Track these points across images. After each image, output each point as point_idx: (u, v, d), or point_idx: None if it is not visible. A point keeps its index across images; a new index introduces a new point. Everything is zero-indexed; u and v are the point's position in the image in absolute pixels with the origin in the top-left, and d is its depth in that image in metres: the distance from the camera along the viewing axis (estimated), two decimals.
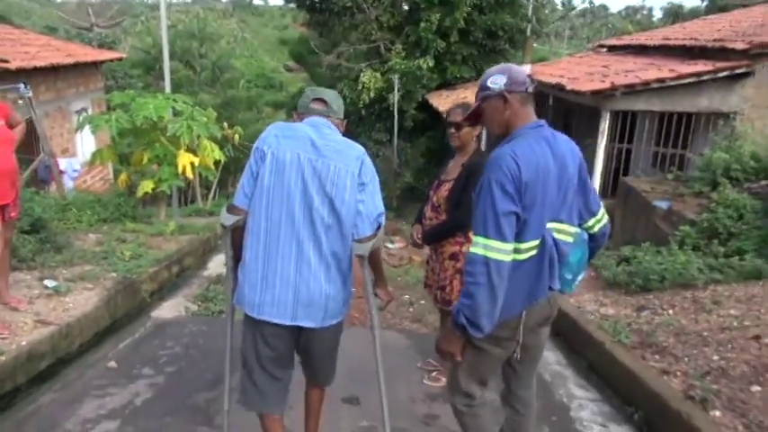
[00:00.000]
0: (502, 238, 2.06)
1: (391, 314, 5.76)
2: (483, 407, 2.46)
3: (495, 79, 2.22)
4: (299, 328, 2.38)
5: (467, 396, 2.42)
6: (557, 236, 2.20)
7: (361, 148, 2.39)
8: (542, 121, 2.25)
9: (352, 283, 2.50)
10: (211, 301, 5.53)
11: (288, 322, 2.32)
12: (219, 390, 3.51)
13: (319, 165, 2.27)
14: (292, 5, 21.32)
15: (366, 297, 2.60)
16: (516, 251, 2.12)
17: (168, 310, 5.17)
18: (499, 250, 2.06)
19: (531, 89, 2.23)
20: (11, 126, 3.86)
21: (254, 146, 2.35)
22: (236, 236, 2.44)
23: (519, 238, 2.12)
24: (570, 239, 2.25)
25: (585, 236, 2.32)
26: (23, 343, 3.63)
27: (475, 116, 2.39)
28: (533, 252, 2.16)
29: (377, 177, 2.39)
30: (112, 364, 3.94)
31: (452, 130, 3.40)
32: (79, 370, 3.86)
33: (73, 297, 4.46)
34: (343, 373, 2.82)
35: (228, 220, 2.39)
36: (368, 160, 2.36)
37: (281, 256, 2.29)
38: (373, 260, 2.49)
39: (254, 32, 63.18)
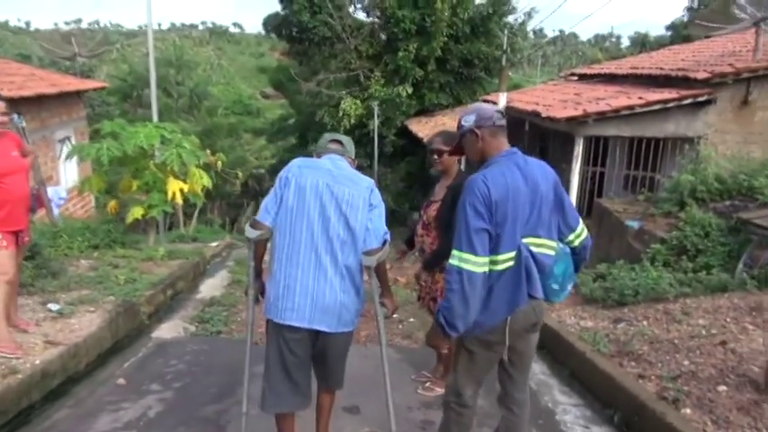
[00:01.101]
0: (473, 251, 2.40)
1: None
2: (469, 409, 2.79)
3: (467, 118, 2.65)
4: (316, 334, 2.68)
5: (458, 396, 2.75)
6: (536, 250, 2.52)
7: (371, 180, 2.81)
8: (515, 149, 2.61)
9: (364, 299, 2.79)
10: (208, 322, 5.71)
11: (305, 325, 2.63)
12: (227, 403, 3.76)
13: (336, 190, 2.64)
14: (272, 35, 21.72)
15: (374, 305, 2.89)
16: (493, 263, 2.46)
17: (167, 330, 5.34)
18: (472, 262, 2.40)
19: (499, 123, 2.60)
20: (24, 155, 4.06)
21: (279, 175, 2.74)
22: (260, 248, 2.83)
23: (495, 251, 2.46)
24: (552, 253, 2.57)
25: (568, 250, 2.65)
26: (37, 362, 3.79)
27: (458, 150, 2.82)
28: (510, 263, 2.48)
29: (383, 204, 2.78)
30: (121, 381, 4.11)
31: (435, 157, 3.75)
32: (90, 387, 4.02)
33: (77, 319, 4.62)
34: (344, 384, 3.05)
35: (252, 233, 2.72)
36: (376, 189, 2.78)
37: (301, 268, 2.61)
38: (380, 272, 2.83)
39: (231, 60, 63.56)
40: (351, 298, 2.69)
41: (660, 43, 27.07)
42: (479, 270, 2.41)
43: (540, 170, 2.59)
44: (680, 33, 25.47)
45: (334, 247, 2.62)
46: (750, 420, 3.13)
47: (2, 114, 3.79)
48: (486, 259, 2.43)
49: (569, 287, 2.66)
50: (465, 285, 2.39)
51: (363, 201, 2.66)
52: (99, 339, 4.53)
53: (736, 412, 3.21)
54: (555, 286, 2.58)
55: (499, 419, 2.91)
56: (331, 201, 2.62)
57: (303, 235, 2.61)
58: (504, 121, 2.65)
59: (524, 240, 2.49)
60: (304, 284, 2.61)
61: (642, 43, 34.78)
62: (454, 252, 2.44)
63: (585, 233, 2.73)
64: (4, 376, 3.54)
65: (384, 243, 2.72)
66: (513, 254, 2.47)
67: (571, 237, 2.68)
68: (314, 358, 2.81)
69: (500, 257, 2.46)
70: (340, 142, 2.94)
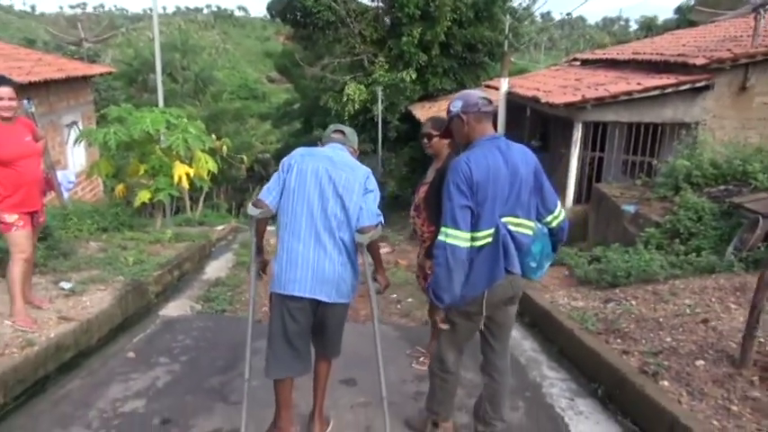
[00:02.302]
0: (457, 227, 2.62)
1: (381, 310, 6.18)
2: (452, 375, 3.03)
3: (455, 104, 2.86)
4: (317, 304, 2.90)
5: (441, 362, 3.01)
6: (514, 229, 2.71)
7: (368, 168, 3.02)
8: (498, 134, 2.82)
9: (359, 276, 3.00)
10: (213, 301, 5.91)
11: (307, 295, 2.86)
12: (231, 375, 3.98)
13: (334, 174, 2.88)
14: (276, 20, 21.75)
15: (366, 281, 3.08)
16: (474, 239, 2.66)
17: (174, 309, 5.56)
18: (456, 237, 2.62)
19: (484, 109, 2.79)
20: (36, 140, 4.25)
21: (282, 161, 2.98)
22: (261, 226, 3.06)
23: (475, 228, 2.66)
24: (530, 232, 2.77)
25: (545, 230, 2.84)
26: (51, 336, 4.02)
27: (448, 133, 3.03)
28: (489, 239, 2.68)
29: (378, 191, 3.00)
30: (131, 354, 4.34)
31: (425, 141, 3.94)
32: (101, 360, 4.25)
33: (88, 297, 4.84)
34: (340, 358, 3.27)
35: (254, 211, 2.93)
36: (372, 176, 2.99)
37: (303, 243, 2.85)
38: (373, 249, 3.05)
39: (236, 44, 63.40)
40: (347, 272, 2.92)
41: (666, 28, 26.93)
42: (463, 245, 2.62)
43: (521, 155, 2.76)
44: (686, 17, 25.32)
45: (332, 225, 2.85)
46: (723, 392, 3.31)
47: (12, 99, 3.96)
48: (469, 234, 2.64)
49: (546, 265, 2.86)
50: (449, 258, 2.61)
51: (359, 185, 2.88)
52: (110, 316, 4.74)
53: (711, 384, 3.39)
54: (532, 264, 2.78)
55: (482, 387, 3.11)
56: (329, 184, 2.85)
57: (304, 214, 2.84)
58: (489, 108, 2.83)
59: (503, 219, 2.67)
60: (305, 258, 2.84)
61: (649, 27, 34.56)
62: (441, 229, 2.65)
63: (563, 215, 2.91)
64: (21, 348, 3.77)
65: (378, 224, 2.91)
66: (491, 231, 2.66)
67: (549, 218, 2.86)
68: (313, 329, 3.02)
69: (479, 234, 2.66)
70: (342, 132, 3.19)
